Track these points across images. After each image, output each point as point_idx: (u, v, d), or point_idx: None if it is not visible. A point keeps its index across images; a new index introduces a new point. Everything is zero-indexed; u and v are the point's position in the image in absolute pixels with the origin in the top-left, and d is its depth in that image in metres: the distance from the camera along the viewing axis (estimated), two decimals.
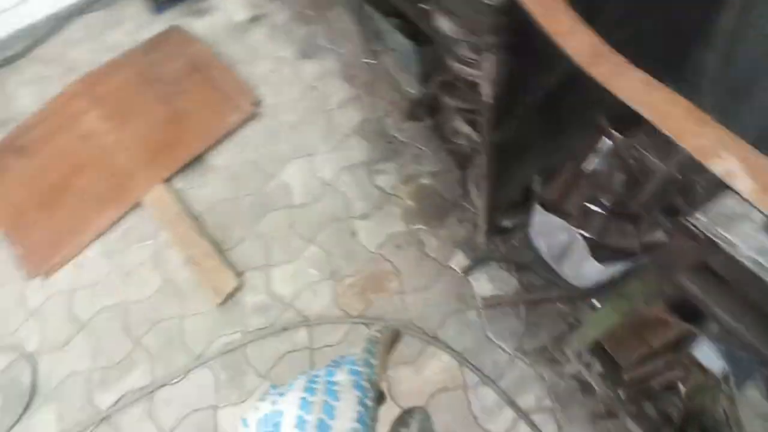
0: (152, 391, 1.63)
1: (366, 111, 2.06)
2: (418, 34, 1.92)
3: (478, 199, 1.58)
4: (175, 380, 1.64)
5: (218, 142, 2.09)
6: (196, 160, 2.07)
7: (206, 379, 1.63)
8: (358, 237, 1.78)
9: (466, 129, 1.72)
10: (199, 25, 2.56)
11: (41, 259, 1.96)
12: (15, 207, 2.10)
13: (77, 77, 2.46)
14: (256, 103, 2.16)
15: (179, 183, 2.03)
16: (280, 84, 2.23)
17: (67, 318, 1.83)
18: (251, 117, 2.13)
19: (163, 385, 1.64)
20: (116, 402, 1.64)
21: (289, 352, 1.63)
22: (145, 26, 2.64)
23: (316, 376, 0.28)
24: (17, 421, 1.66)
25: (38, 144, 2.25)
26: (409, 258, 1.72)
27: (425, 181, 1.86)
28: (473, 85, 1.58)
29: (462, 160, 1.79)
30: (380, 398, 0.38)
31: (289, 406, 0.26)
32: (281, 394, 0.28)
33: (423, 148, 1.92)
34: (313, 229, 1.83)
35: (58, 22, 2.81)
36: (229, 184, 2.00)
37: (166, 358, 1.69)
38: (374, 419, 0.30)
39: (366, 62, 2.19)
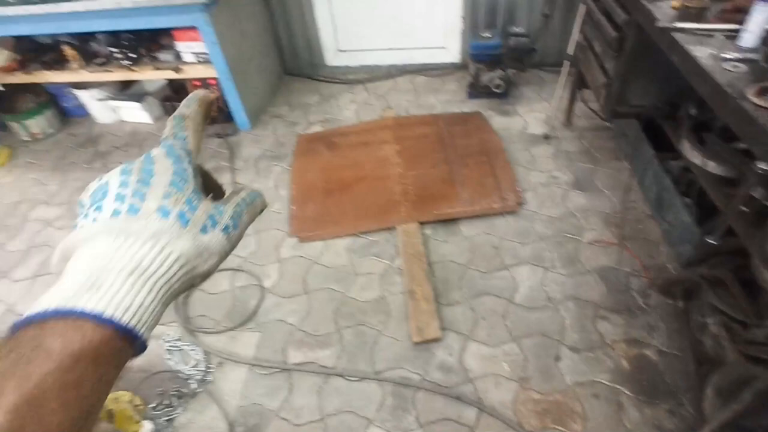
0: (330, 375, 1.87)
1: (615, 260, 2.13)
2: (711, 222, 1.96)
3: (713, 410, 1.50)
4: (352, 378, 1.86)
5: (475, 216, 2.38)
6: (451, 221, 2.38)
7: (375, 395, 1.81)
8: (560, 363, 1.82)
9: (719, 332, 1.67)
10: (498, 121, 3.00)
11: (305, 227, 2.44)
12: (308, 181, 2.68)
13: (392, 114, 3.08)
14: (520, 203, 2.42)
15: (429, 230, 2.36)
16: (546, 199, 2.46)
17: (300, 279, 2.23)
18: (511, 211, 2.39)
19: (341, 375, 1.87)
20: (301, 363, 1.92)
21: (452, 420, 1.72)
22: (456, 103, 3.19)
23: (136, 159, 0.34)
24: (233, 329, 2.06)
25: (345, 147, 2.85)
26: (603, 413, 1.69)
27: (649, 353, 1.82)
28: (753, 295, 1.55)
29: (701, 359, 1.72)
30: (216, 191, 0.41)
31: (112, 176, 0.32)
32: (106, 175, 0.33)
33: (660, 323, 1.90)
34: (521, 330, 1.93)
35: (395, 71, 3.57)
36: (466, 252, 2.25)
37: (353, 355, 1.92)
38: (195, 176, 0.34)
39: (634, 220, 2.28)
